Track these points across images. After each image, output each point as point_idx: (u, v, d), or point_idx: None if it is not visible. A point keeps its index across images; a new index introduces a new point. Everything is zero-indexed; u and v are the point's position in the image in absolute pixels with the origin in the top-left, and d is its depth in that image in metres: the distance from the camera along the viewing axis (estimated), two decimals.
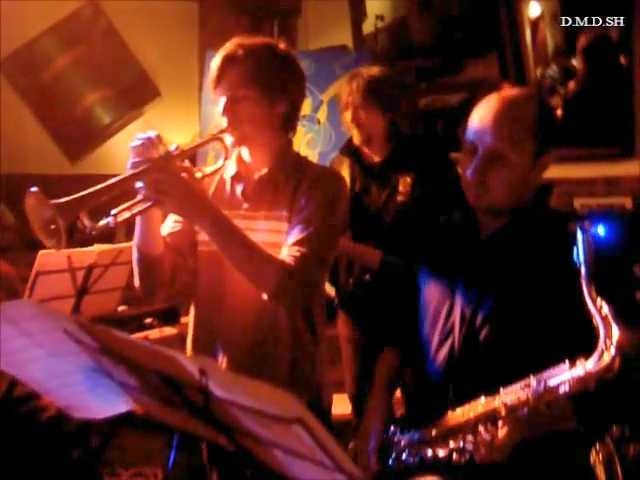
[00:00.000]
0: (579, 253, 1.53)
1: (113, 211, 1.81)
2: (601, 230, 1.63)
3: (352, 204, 3.26)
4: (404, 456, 1.76)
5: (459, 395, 1.70)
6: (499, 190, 1.72)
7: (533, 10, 4.64)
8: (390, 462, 1.79)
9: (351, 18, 5.02)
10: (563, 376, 1.52)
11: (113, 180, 1.80)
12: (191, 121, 5.18)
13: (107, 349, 1.28)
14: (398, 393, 3.53)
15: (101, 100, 6.20)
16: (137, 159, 1.84)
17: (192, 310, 2.20)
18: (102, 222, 1.78)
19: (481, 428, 1.60)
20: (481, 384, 1.65)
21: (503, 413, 1.57)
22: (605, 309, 1.50)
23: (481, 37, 4.87)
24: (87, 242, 3.23)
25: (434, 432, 1.71)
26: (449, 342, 1.77)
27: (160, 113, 5.92)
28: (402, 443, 1.78)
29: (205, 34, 5.42)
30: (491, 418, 1.59)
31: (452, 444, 1.65)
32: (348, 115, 3.25)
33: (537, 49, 4.65)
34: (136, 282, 2.10)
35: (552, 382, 1.53)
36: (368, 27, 5.25)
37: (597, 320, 1.50)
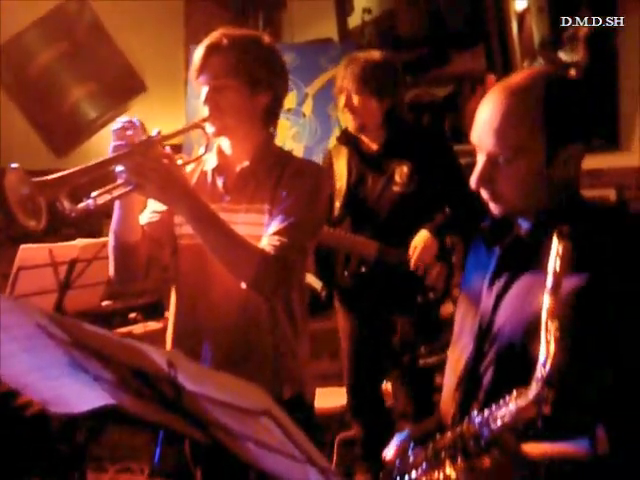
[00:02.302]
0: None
1: (93, 193, 1.81)
2: None
3: (348, 194, 3.26)
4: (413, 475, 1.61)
5: (464, 409, 1.57)
6: (511, 195, 1.50)
7: (519, 3, 4.64)
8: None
9: (336, 11, 5.01)
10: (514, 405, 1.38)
11: (94, 161, 1.80)
12: (177, 115, 5.16)
13: (79, 342, 1.26)
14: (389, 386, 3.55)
15: (87, 95, 6.17)
16: (119, 142, 1.84)
17: (172, 304, 2.19)
18: (82, 204, 1.78)
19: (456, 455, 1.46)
20: (487, 397, 1.53)
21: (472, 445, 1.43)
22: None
23: (468, 29, 4.87)
24: (70, 237, 3.22)
25: (429, 451, 1.55)
26: (467, 353, 1.63)
27: (146, 107, 5.90)
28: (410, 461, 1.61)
29: (191, 28, 5.39)
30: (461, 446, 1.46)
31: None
32: (342, 100, 3.20)
33: (523, 41, 4.65)
34: (110, 270, 2.09)
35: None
36: (355, 20, 5.24)
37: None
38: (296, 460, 1.07)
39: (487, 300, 1.60)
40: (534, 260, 1.51)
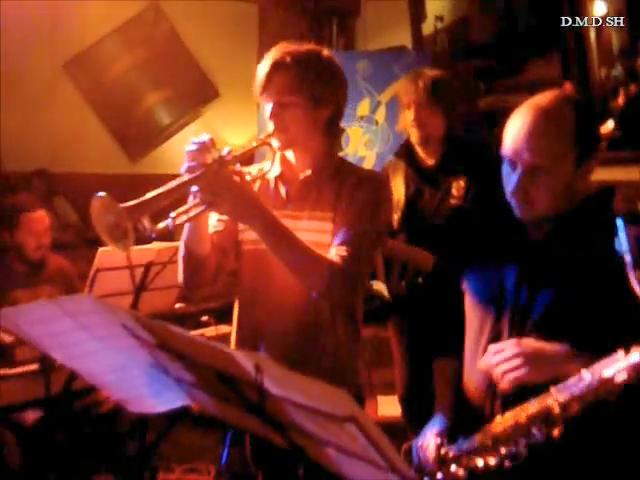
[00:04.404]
0: (621, 242, 1.46)
1: (172, 214, 1.87)
2: None
3: (406, 208, 3.28)
4: (453, 468, 1.72)
5: (507, 400, 1.65)
6: (543, 202, 1.66)
7: (598, 9, 4.54)
8: (440, 476, 1.75)
9: (410, 19, 5.00)
10: (618, 365, 1.47)
11: (173, 184, 1.86)
12: (249, 121, 5.22)
13: (164, 345, 1.29)
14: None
15: (161, 101, 6.30)
16: (192, 163, 1.89)
17: (235, 308, 2.23)
18: (161, 224, 1.84)
19: (534, 430, 1.55)
20: (530, 388, 1.61)
21: (557, 411, 1.52)
22: None
23: (542, 36, 4.79)
24: (146, 240, 3.29)
25: (482, 440, 1.65)
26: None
27: (219, 114, 5.99)
28: (450, 455, 1.73)
29: (264, 35, 5.46)
30: (544, 418, 1.54)
31: (503, 450, 1.60)
32: (410, 114, 3.23)
33: (601, 49, 4.55)
34: (180, 278, 2.14)
35: (606, 373, 1.47)
36: (427, 28, 5.22)
37: None
38: (378, 467, 1.07)
39: (518, 295, 1.70)
40: (561, 256, 1.67)
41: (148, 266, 3.17)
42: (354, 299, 2.11)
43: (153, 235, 1.82)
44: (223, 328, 3.49)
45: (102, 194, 1.76)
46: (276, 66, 2.05)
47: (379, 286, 3.42)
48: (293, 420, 1.16)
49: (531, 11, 4.89)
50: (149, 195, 1.80)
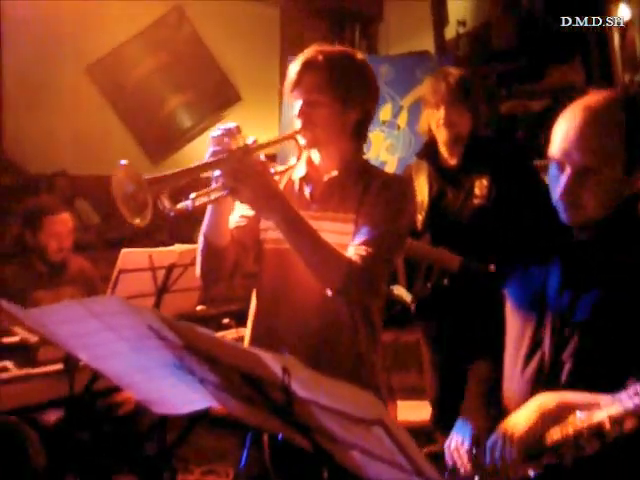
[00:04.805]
0: None
1: (192, 195, 1.87)
2: None
3: (429, 208, 3.28)
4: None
5: None
6: (592, 206, 1.62)
7: (622, 13, 4.51)
8: None
9: (433, 23, 5.00)
10: None
11: (195, 164, 1.86)
12: (271, 125, 5.23)
13: (191, 346, 1.29)
14: None
15: (183, 104, 6.34)
16: (217, 148, 1.89)
17: (252, 308, 2.23)
18: (181, 204, 1.84)
19: (584, 442, 1.51)
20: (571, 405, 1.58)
21: (608, 426, 1.49)
22: None
23: (566, 41, 4.77)
24: (163, 242, 3.31)
25: (522, 451, 1.61)
26: (538, 354, 1.70)
27: (240, 117, 6.02)
28: (487, 464, 1.68)
29: (286, 39, 5.47)
30: (594, 432, 1.50)
31: (546, 461, 1.57)
32: (439, 113, 3.22)
33: (625, 53, 4.52)
34: (197, 271, 2.14)
35: None
36: (450, 32, 5.21)
37: None
38: (403, 470, 1.07)
39: (560, 299, 1.68)
40: (605, 260, 1.64)
41: (170, 268, 3.19)
42: (371, 301, 2.10)
43: (172, 214, 1.81)
44: (244, 331, 3.48)
45: (125, 162, 1.76)
46: (308, 65, 2.05)
47: (400, 290, 3.42)
48: (319, 423, 1.16)
49: (554, 16, 4.86)
50: (170, 171, 1.80)
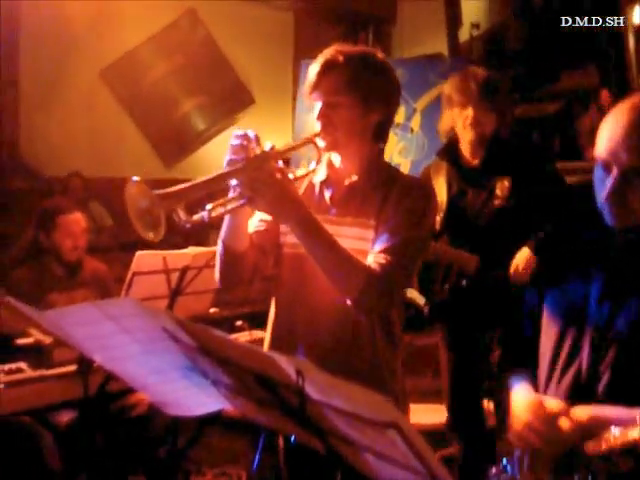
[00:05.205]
0: None
1: (208, 206, 1.84)
2: None
3: (448, 208, 3.26)
4: None
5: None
6: (639, 208, 1.57)
7: (638, 15, 4.49)
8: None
9: (447, 26, 4.99)
10: None
11: (211, 175, 1.83)
12: (285, 129, 5.24)
13: (205, 348, 1.29)
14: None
15: (197, 107, 6.35)
16: (234, 157, 1.87)
17: (272, 312, 2.22)
18: (197, 216, 1.81)
19: (617, 459, 1.47)
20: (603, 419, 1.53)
21: None
22: None
23: (580, 43, 4.75)
24: (177, 245, 3.32)
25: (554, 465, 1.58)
26: (575, 365, 1.66)
27: (254, 120, 6.02)
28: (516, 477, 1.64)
29: (300, 43, 5.48)
30: (628, 449, 1.46)
31: (577, 476, 1.53)
32: (466, 112, 3.21)
33: None
34: (216, 275, 2.12)
35: None
36: (463, 35, 5.20)
37: None
38: (417, 474, 1.07)
39: (600, 310, 1.63)
40: None
41: (184, 270, 3.20)
42: (388, 310, 2.06)
43: (188, 226, 1.78)
44: (257, 333, 3.50)
45: (136, 178, 1.73)
46: (328, 65, 2.00)
47: (413, 294, 3.42)
48: (333, 425, 1.16)
49: (569, 18, 4.85)
50: (185, 185, 1.77)
